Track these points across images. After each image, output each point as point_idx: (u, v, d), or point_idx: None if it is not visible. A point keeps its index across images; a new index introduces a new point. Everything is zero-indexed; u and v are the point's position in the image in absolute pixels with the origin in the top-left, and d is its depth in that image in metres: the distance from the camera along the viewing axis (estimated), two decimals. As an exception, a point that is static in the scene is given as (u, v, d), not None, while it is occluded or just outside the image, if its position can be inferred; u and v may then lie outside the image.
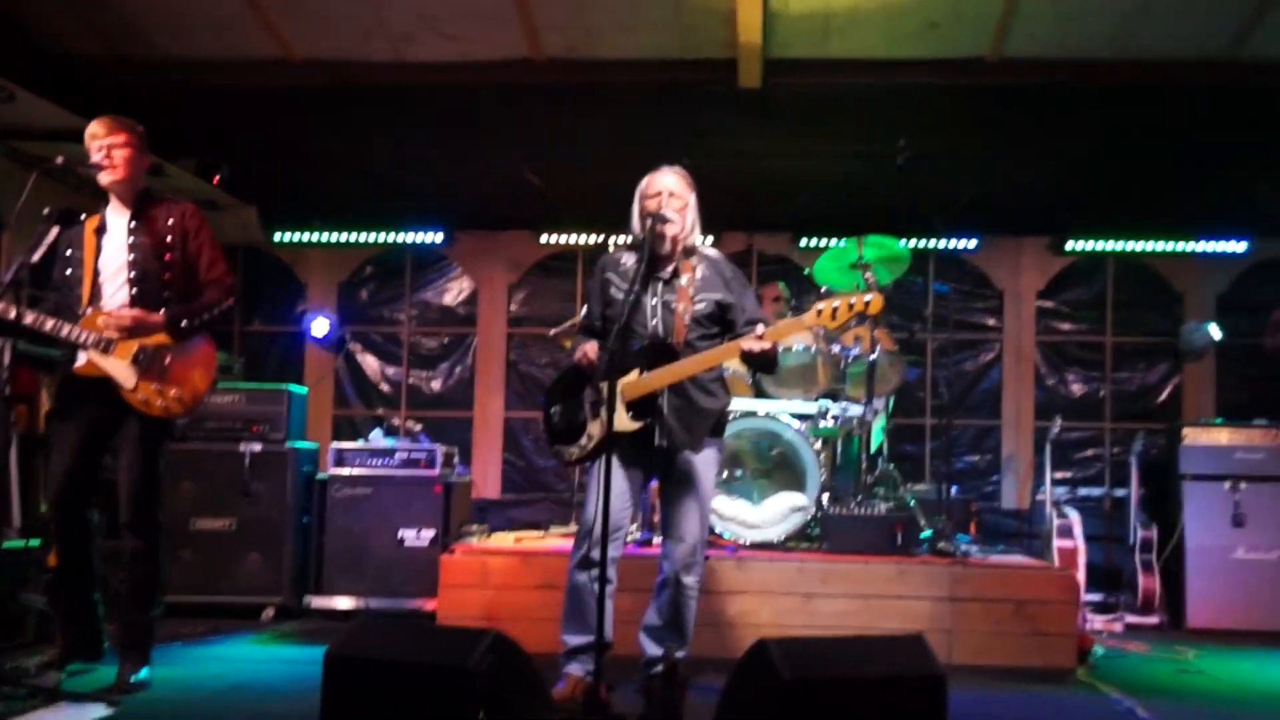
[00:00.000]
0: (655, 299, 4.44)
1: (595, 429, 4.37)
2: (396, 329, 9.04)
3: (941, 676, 3.58)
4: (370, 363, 9.01)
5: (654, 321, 4.41)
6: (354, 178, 8.27)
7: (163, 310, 4.58)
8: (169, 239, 4.66)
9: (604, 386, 4.18)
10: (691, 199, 4.51)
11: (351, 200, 8.60)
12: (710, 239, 8.28)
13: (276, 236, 8.83)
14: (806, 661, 3.50)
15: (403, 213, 8.71)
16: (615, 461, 4.27)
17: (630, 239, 4.59)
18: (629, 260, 4.51)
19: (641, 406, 4.31)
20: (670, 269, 4.49)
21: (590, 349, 4.40)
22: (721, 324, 4.49)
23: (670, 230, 4.40)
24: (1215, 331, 8.33)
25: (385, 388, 8.99)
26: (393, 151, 7.81)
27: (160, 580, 4.70)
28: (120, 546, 4.65)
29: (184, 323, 4.59)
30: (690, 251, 4.54)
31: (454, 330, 9.03)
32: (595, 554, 4.04)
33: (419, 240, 8.85)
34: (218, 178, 7.68)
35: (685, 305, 4.41)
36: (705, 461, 4.47)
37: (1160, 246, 8.56)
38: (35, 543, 5.18)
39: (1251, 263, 8.51)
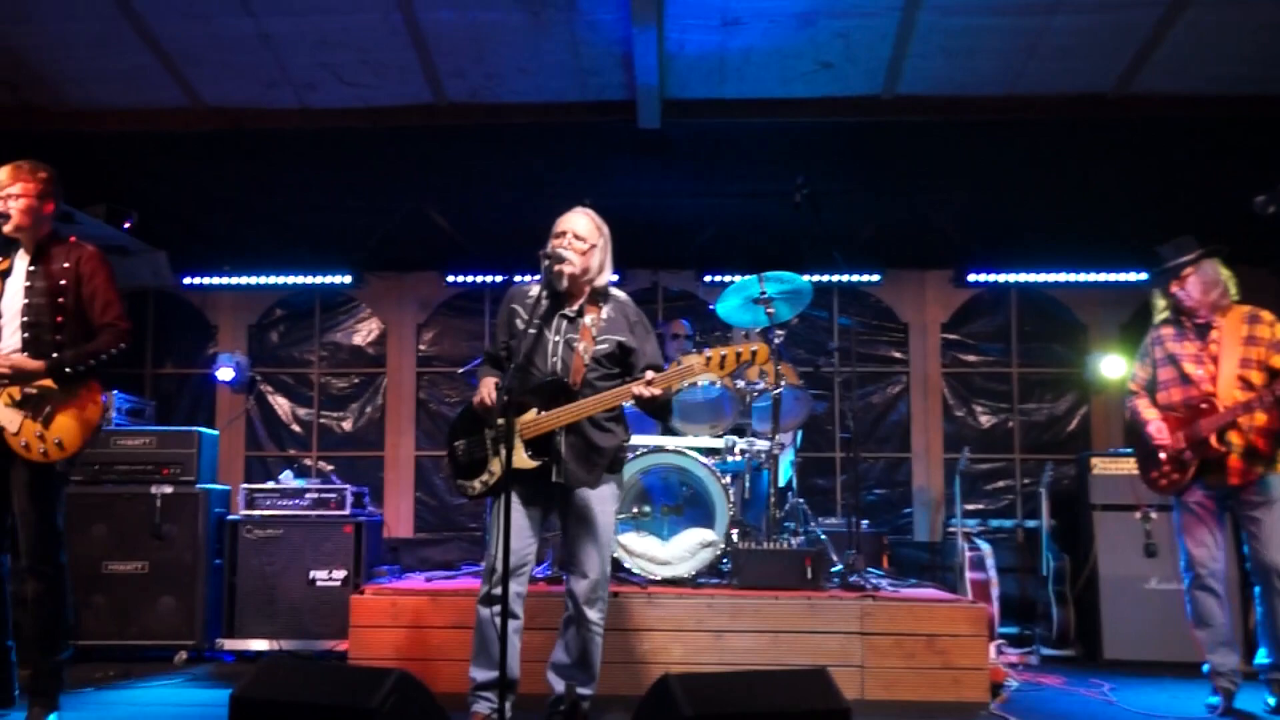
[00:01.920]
0: (558, 336, 4.51)
1: (496, 466, 4.42)
2: (307, 370, 8.99)
3: (846, 710, 3.62)
4: (281, 404, 8.95)
5: (554, 359, 4.48)
6: (263, 221, 8.27)
7: (47, 358, 4.56)
8: (63, 283, 4.66)
9: (512, 421, 4.23)
10: (600, 242, 4.58)
11: (260, 244, 8.56)
12: (616, 277, 8.47)
13: (187, 280, 8.76)
14: (708, 697, 3.54)
15: (311, 255, 8.68)
16: (516, 500, 4.35)
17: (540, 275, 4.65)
18: (536, 294, 4.56)
19: (539, 445, 4.39)
20: (575, 307, 4.56)
21: (487, 391, 4.45)
22: (622, 365, 4.57)
23: (566, 269, 4.48)
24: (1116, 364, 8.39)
25: (296, 428, 8.92)
26: (300, 195, 7.83)
27: (65, 623, 4.68)
28: (24, 591, 4.62)
29: (68, 369, 4.59)
30: (599, 293, 4.61)
31: (364, 370, 9.01)
32: (498, 590, 4.08)
33: (327, 282, 8.83)
34: (128, 223, 7.64)
35: (587, 344, 4.48)
36: (603, 498, 4.53)
37: (1062, 278, 8.66)
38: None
39: (1153, 293, 8.63)
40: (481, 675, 4.40)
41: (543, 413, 4.39)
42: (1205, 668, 5.37)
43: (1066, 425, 8.86)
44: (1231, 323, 5.26)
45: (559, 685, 4.54)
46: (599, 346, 4.50)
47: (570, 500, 4.51)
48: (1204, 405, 5.20)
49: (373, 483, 8.47)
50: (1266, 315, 5.25)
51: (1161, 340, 5.50)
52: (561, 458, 4.42)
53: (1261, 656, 5.26)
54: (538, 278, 4.65)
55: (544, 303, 4.53)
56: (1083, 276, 8.64)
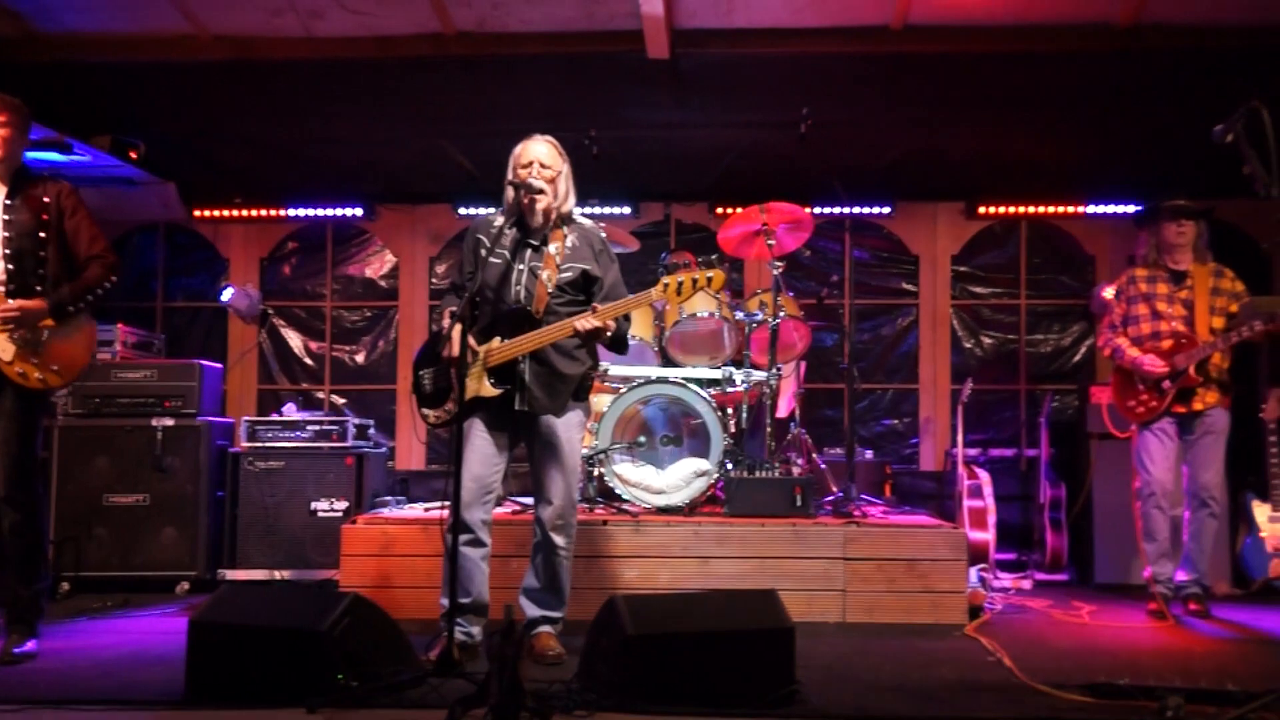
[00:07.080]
0: (523, 265, 4.53)
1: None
2: (319, 303, 9.03)
3: (789, 630, 3.71)
4: (293, 337, 9.00)
5: (518, 288, 4.50)
6: (273, 153, 8.25)
7: (44, 298, 4.63)
8: (44, 217, 4.73)
9: (465, 352, 4.29)
10: (565, 169, 4.61)
11: (271, 175, 8.58)
12: (629, 209, 8.48)
13: (197, 213, 8.81)
14: (652, 617, 3.62)
15: (323, 188, 8.70)
16: (481, 426, 4.46)
17: (503, 205, 4.66)
18: (500, 224, 4.58)
19: (502, 373, 4.43)
20: (540, 236, 4.57)
21: (448, 321, 4.47)
22: (587, 294, 4.58)
23: (540, 202, 4.51)
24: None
25: (309, 362, 8.98)
26: (309, 127, 7.79)
27: (42, 553, 4.78)
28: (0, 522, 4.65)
29: (69, 307, 4.69)
30: (564, 219, 4.63)
31: (376, 304, 9.04)
32: (463, 517, 4.24)
33: (340, 214, 8.86)
34: (135, 154, 7.67)
35: (551, 273, 4.50)
36: (569, 425, 4.58)
37: (1070, 210, 8.67)
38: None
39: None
40: (447, 601, 4.47)
41: (505, 340, 4.42)
42: (1146, 573, 6.03)
43: (1072, 356, 8.85)
44: (1201, 275, 6.00)
45: (531, 610, 4.61)
46: (563, 274, 4.53)
47: (536, 428, 4.56)
48: (1183, 340, 5.89)
49: (385, 415, 8.61)
50: (1229, 272, 6.05)
51: (1135, 280, 6.19)
52: (525, 385, 4.45)
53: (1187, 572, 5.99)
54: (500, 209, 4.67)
55: (508, 232, 4.55)
56: (1090, 209, 8.68)
